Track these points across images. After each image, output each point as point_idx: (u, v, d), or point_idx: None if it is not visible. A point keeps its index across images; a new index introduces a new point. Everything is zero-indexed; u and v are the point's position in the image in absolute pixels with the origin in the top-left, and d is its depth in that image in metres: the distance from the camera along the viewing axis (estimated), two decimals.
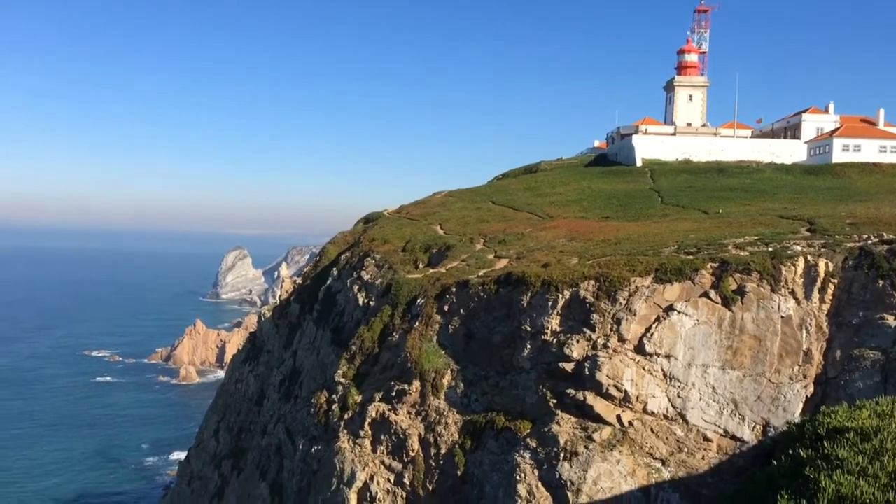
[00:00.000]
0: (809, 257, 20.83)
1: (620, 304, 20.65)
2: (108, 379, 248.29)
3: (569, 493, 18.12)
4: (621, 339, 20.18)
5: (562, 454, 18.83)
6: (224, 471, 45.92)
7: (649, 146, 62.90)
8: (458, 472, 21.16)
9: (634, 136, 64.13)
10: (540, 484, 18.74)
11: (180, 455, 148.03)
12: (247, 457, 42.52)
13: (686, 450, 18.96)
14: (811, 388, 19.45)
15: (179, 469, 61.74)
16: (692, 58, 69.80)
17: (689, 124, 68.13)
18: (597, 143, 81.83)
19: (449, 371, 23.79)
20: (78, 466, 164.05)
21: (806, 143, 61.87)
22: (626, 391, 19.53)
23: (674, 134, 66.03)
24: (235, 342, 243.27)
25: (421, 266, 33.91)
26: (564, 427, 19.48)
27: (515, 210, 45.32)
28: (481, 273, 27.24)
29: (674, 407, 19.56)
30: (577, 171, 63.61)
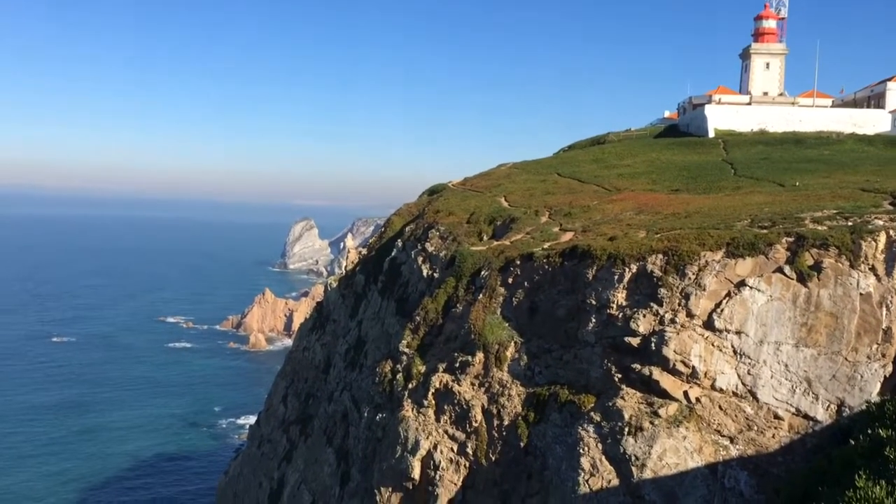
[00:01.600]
0: (892, 232, 19.89)
1: (689, 278, 20.18)
2: (183, 344, 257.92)
3: (633, 468, 17.96)
4: (690, 315, 19.75)
5: (626, 429, 18.65)
6: (292, 435, 47.24)
7: (723, 116, 60.90)
8: (521, 444, 21.21)
9: (707, 106, 62.17)
10: (604, 458, 18.64)
11: (250, 419, 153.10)
12: (314, 422, 43.62)
13: (756, 428, 18.53)
14: (889, 368, 18.70)
15: (250, 432, 63.86)
16: (770, 24, 66.92)
17: (765, 93, 65.56)
18: (667, 114, 79.67)
19: (512, 343, 23.77)
20: (154, 428, 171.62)
21: (890, 112, 58.82)
22: (693, 367, 19.16)
23: (749, 104, 63.70)
24: (303, 311, 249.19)
25: (485, 238, 33.84)
26: (629, 402, 19.27)
27: (582, 182, 44.64)
28: (546, 246, 27.00)
29: (744, 384, 19.10)
30: (646, 143, 62.16)
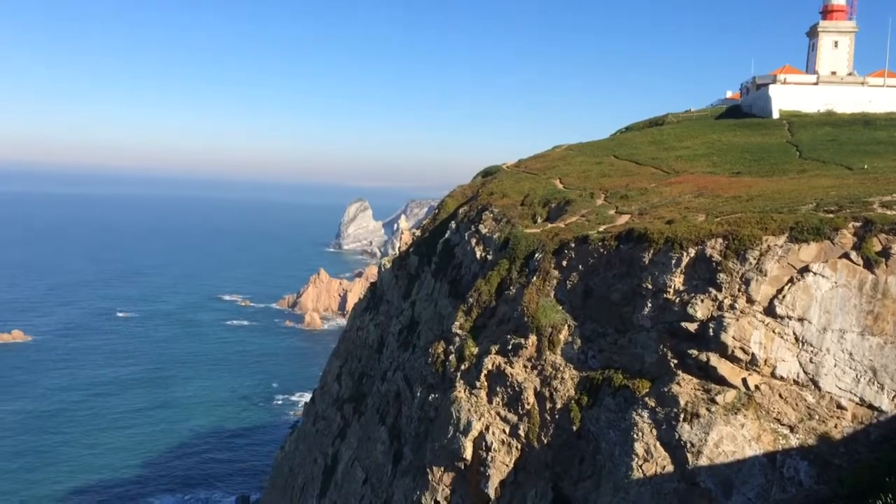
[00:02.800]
0: None
1: (750, 263, 19.67)
2: (240, 322, 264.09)
3: (688, 455, 17.70)
4: (750, 300, 19.27)
5: (682, 415, 18.36)
6: (346, 413, 48.00)
7: (788, 97, 58.95)
8: (574, 428, 21.10)
9: (771, 86, 60.24)
10: (658, 444, 18.41)
11: (305, 396, 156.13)
12: (367, 401, 44.22)
13: (817, 417, 18.03)
14: None
15: (305, 409, 65.13)
16: (839, 1, 64.31)
17: (833, 73, 63.14)
18: (729, 94, 77.51)
19: (566, 327, 23.59)
20: (214, 404, 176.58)
21: None
22: (753, 354, 18.72)
23: (816, 83, 61.47)
24: (356, 291, 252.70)
25: (539, 220, 33.59)
26: (685, 388, 18.96)
27: (639, 164, 43.88)
28: (601, 229, 26.65)
29: (805, 372, 18.59)
30: (707, 124, 60.66)
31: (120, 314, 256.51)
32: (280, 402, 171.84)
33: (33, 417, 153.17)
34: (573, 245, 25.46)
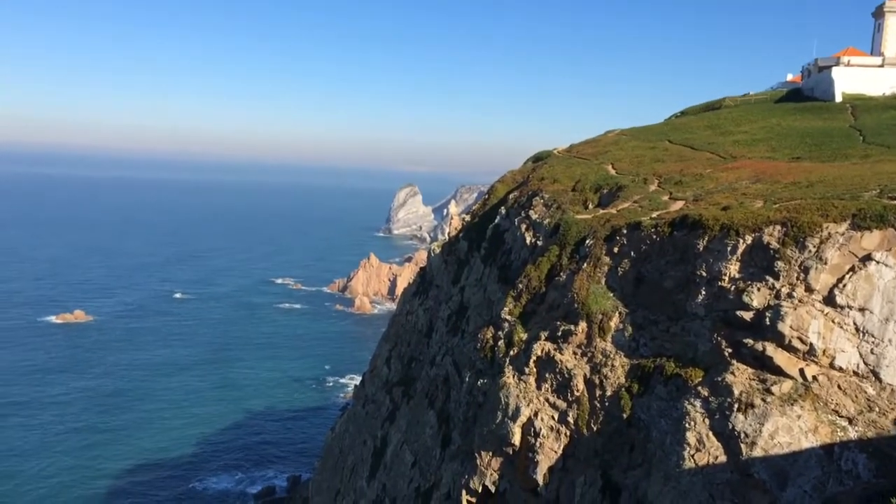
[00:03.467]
0: None
1: (810, 251, 19.13)
2: (292, 305, 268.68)
3: (742, 446, 17.38)
4: (808, 289, 18.76)
5: (736, 405, 18.02)
6: (395, 397, 48.47)
7: (851, 79, 56.95)
8: (624, 416, 20.91)
9: (834, 69, 58.23)
10: (711, 433, 18.11)
11: (355, 379, 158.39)
12: (416, 385, 44.57)
13: (877, 409, 17.50)
14: None
15: (355, 392, 65.98)
16: None
17: None
18: (790, 77, 75.20)
19: (617, 314, 23.34)
20: (267, 385, 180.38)
21: None
22: (811, 344, 18.24)
23: (881, 66, 59.20)
24: (406, 276, 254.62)
25: (590, 206, 33.22)
26: (740, 377, 18.59)
27: (694, 149, 42.97)
28: (654, 215, 26.22)
29: (866, 364, 18.04)
30: (766, 108, 59.01)
31: (177, 296, 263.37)
32: (331, 385, 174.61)
33: (94, 396, 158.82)
34: (625, 231, 25.13)
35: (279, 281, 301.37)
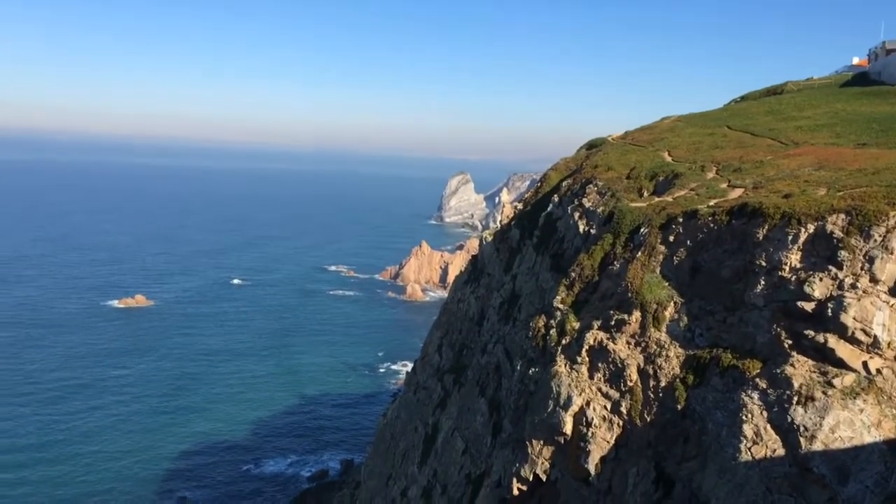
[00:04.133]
0: None
1: (875, 240, 18.47)
2: (344, 292, 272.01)
3: (801, 439, 16.95)
4: (873, 280, 18.13)
5: (795, 398, 17.58)
6: (446, 384, 48.72)
7: None
8: (679, 407, 20.60)
9: None
10: (769, 426, 17.71)
11: (407, 366, 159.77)
12: (467, 373, 44.71)
13: None
14: None
15: (406, 379, 66.51)
16: None
17: None
18: (856, 61, 72.52)
19: (672, 303, 22.95)
20: (321, 371, 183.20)
21: None
22: (875, 336, 17.64)
23: None
24: (458, 264, 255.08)
25: (645, 194, 32.68)
26: (800, 370, 18.11)
27: (754, 136, 41.83)
28: (712, 203, 25.65)
29: None
30: (830, 92, 57.04)
31: (235, 282, 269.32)
32: (383, 371, 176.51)
33: (154, 380, 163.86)
34: (681, 220, 24.66)
35: (332, 268, 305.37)
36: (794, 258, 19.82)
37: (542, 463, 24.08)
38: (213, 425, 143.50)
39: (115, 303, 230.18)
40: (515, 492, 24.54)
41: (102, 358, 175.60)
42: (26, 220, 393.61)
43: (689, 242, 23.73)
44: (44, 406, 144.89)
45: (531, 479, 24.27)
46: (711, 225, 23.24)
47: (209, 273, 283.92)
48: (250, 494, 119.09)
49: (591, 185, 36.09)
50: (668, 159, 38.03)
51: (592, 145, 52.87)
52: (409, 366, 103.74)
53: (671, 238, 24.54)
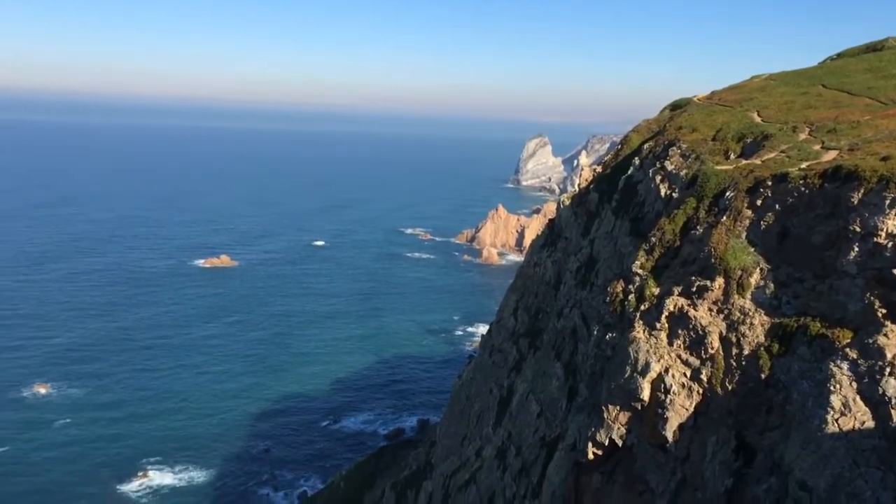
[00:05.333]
0: None
1: None
2: (420, 255, 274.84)
3: (893, 412, 16.27)
4: None
5: (888, 369, 16.84)
6: (521, 347, 48.84)
7: None
8: (762, 376, 20.05)
9: None
10: (858, 398, 17.05)
11: (482, 328, 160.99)
12: (542, 337, 44.66)
13: None
14: None
15: (482, 341, 66.98)
16: None
17: None
18: None
19: (757, 270, 22.21)
20: (398, 332, 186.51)
21: None
22: None
23: None
24: (534, 227, 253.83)
25: (732, 157, 31.53)
26: (893, 340, 17.31)
27: (851, 95, 39.63)
28: (804, 165, 24.54)
29: None
30: None
31: (317, 243, 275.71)
32: (459, 334, 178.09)
33: (239, 340, 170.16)
34: (770, 183, 23.71)
35: (409, 231, 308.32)
36: (891, 224, 18.83)
37: (619, 428, 23.95)
38: (294, 384, 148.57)
39: (201, 262, 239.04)
40: (591, 456, 24.53)
41: (189, 318, 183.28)
42: (138, 183, 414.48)
43: (777, 207, 22.84)
44: (137, 364, 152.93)
45: (607, 443, 24.20)
46: (802, 189, 22.28)
47: (292, 235, 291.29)
48: (329, 449, 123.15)
49: (674, 148, 35.07)
50: (758, 120, 36.52)
51: (676, 106, 51.20)
52: (484, 329, 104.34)
53: (759, 202, 23.66)
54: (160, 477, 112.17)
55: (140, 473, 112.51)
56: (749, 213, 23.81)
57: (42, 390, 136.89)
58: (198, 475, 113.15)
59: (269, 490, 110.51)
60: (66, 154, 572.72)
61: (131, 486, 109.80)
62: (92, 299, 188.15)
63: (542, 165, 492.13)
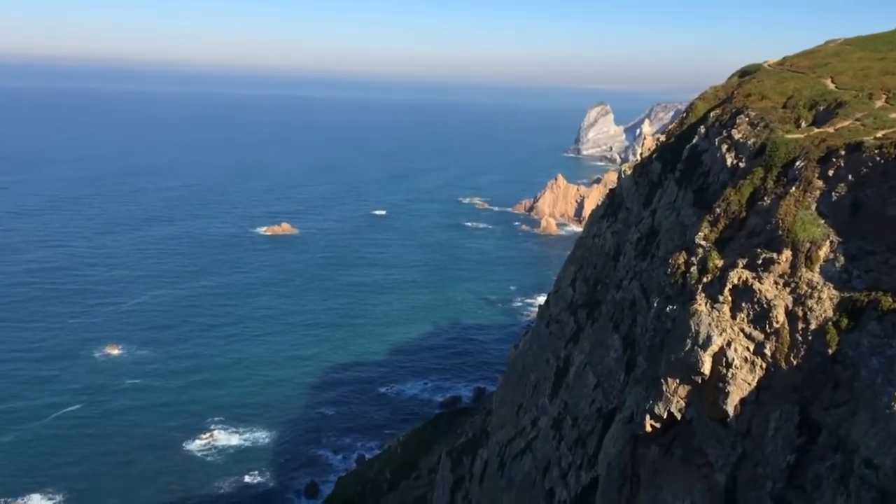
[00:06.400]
0: None
1: None
2: (478, 224, 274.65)
3: None
4: None
5: None
6: (579, 318, 48.52)
7: None
8: (829, 351, 19.48)
9: None
10: None
11: (539, 299, 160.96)
12: (601, 308, 44.25)
13: None
14: None
15: (539, 311, 66.81)
16: None
17: None
18: None
19: (827, 242, 21.48)
20: (455, 302, 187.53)
21: None
22: None
23: None
24: (594, 197, 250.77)
25: (803, 125, 30.39)
26: None
27: None
28: (879, 134, 23.51)
29: None
30: None
31: (376, 213, 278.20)
32: (516, 304, 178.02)
33: (300, 309, 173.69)
34: (843, 152, 22.80)
35: (467, 201, 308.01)
36: None
37: (678, 401, 23.68)
38: (353, 352, 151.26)
39: (263, 230, 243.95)
40: (648, 428, 24.35)
41: (251, 286, 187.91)
42: (220, 152, 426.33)
43: (850, 177, 21.98)
44: (202, 330, 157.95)
45: (665, 416, 23.96)
46: (878, 158, 21.36)
47: (353, 204, 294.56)
48: (387, 415, 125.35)
49: (741, 116, 33.97)
50: (831, 87, 35.05)
51: (745, 72, 49.46)
52: (542, 299, 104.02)
53: (830, 172, 22.81)
54: (225, 437, 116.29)
55: (206, 433, 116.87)
56: (820, 183, 22.99)
57: (113, 352, 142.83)
58: (261, 436, 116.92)
59: (329, 452, 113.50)
60: (131, 124, 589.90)
61: (197, 445, 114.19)
62: (158, 266, 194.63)
63: (603, 134, 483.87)
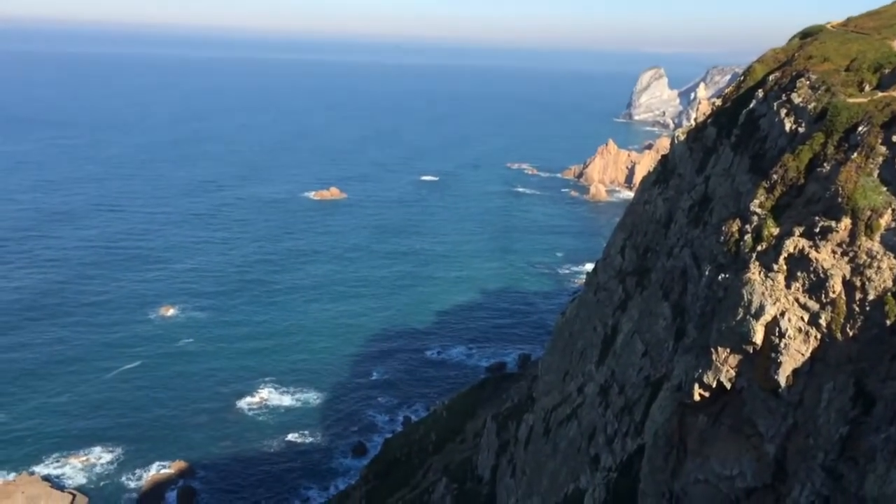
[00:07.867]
0: None
1: None
2: (526, 190, 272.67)
3: None
4: None
5: None
6: (628, 286, 48.07)
7: None
8: (888, 322, 18.96)
9: None
10: None
11: (586, 266, 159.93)
12: (650, 276, 43.74)
13: None
14: None
15: (586, 279, 66.40)
16: None
17: None
18: None
19: (889, 211, 20.78)
20: (501, 269, 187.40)
21: None
22: None
23: None
24: (645, 164, 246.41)
25: (867, 89, 29.22)
26: None
27: None
28: None
29: None
30: None
31: (424, 178, 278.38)
32: (562, 271, 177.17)
33: (349, 273, 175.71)
34: None
35: (515, 167, 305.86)
36: None
37: (728, 371, 23.38)
38: (400, 317, 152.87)
39: (311, 194, 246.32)
40: (697, 397, 24.14)
41: (301, 251, 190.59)
42: (279, 119, 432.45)
43: None
44: (254, 293, 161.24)
45: (714, 385, 23.71)
46: None
47: (402, 170, 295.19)
48: (433, 379, 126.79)
49: (802, 79, 32.82)
50: None
51: (807, 34, 47.63)
52: (589, 266, 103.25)
53: (894, 138, 21.96)
54: (276, 397, 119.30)
55: (257, 393, 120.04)
56: (883, 149, 22.17)
57: (168, 312, 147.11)
58: (310, 397, 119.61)
59: (376, 414, 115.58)
60: (178, 88, 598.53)
61: (248, 403, 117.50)
62: (212, 231, 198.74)
63: (656, 99, 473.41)
